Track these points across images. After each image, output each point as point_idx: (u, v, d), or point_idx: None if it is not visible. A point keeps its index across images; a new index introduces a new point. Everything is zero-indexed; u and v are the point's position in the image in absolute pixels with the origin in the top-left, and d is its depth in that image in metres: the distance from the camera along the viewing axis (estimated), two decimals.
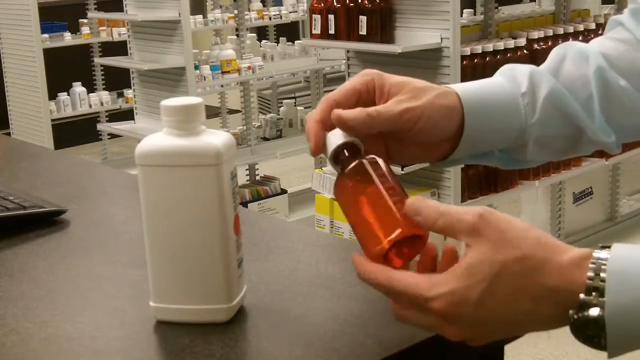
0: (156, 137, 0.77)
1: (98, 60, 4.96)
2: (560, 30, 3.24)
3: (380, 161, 0.74)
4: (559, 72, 0.87)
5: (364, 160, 0.74)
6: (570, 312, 0.63)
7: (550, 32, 3.20)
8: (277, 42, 5.28)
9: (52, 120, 4.76)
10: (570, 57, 0.88)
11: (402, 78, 0.80)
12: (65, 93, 5.02)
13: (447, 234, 0.67)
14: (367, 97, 0.80)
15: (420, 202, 0.68)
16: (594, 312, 0.61)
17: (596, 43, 0.90)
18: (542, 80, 0.85)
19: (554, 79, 0.86)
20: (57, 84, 4.93)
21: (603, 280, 0.62)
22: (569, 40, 2.84)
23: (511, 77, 0.85)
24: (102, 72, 5.38)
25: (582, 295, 0.62)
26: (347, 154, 0.76)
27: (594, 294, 0.62)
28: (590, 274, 0.62)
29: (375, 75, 0.80)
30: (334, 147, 0.76)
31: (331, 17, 3.02)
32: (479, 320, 0.65)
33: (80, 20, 5.36)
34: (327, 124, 0.77)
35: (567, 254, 0.64)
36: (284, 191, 4.36)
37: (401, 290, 0.67)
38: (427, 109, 0.78)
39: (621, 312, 0.61)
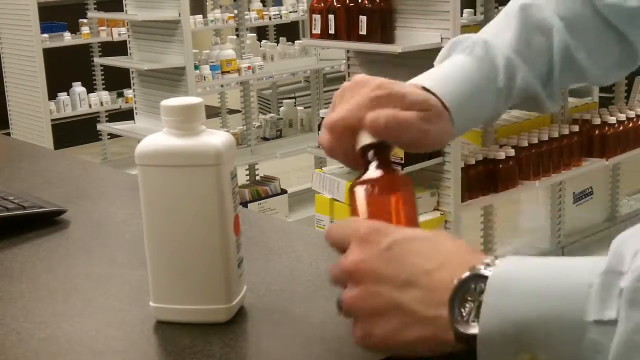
0: (156, 137, 0.77)
1: (98, 60, 4.95)
2: None
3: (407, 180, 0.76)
4: (524, 46, 0.89)
5: (393, 174, 0.76)
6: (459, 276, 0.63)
7: None
8: (277, 42, 5.28)
9: (52, 120, 4.75)
10: (532, 28, 0.90)
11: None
12: (65, 93, 5.01)
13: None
14: None
15: None
16: (483, 270, 0.62)
17: (553, 3, 0.92)
18: (517, 72, 0.88)
19: (525, 67, 0.89)
20: (57, 84, 4.92)
21: (496, 258, 0.63)
22: None
23: (487, 64, 0.87)
24: (102, 72, 5.38)
25: (477, 264, 0.63)
26: (377, 155, 0.77)
27: (491, 263, 0.63)
28: (489, 258, 0.64)
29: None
30: (366, 143, 0.77)
31: (331, 17, 3.01)
32: (389, 252, 0.66)
33: (80, 20, 5.36)
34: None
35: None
36: (284, 191, 4.36)
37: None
38: (436, 135, 0.82)
39: (506, 275, 0.61)
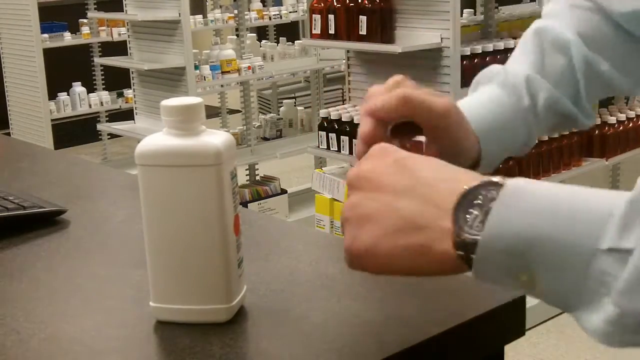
0: (156, 137, 0.77)
1: (98, 60, 4.96)
2: None
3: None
4: (543, 68, 0.88)
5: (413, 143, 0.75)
6: (465, 186, 0.60)
7: None
8: (277, 42, 5.28)
9: (52, 120, 4.76)
10: (548, 48, 0.89)
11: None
12: (65, 93, 5.02)
13: None
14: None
15: None
16: (496, 179, 0.59)
17: (567, 19, 0.90)
18: (539, 89, 0.87)
19: (547, 84, 0.87)
20: (57, 84, 4.93)
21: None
22: None
23: (509, 88, 0.86)
24: (102, 72, 5.38)
25: (489, 178, 0.60)
26: (404, 132, 0.77)
27: (501, 177, 0.59)
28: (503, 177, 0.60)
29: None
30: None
31: (331, 17, 3.02)
32: (398, 162, 0.64)
33: (80, 20, 5.36)
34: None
35: None
36: (284, 191, 4.36)
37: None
38: (454, 123, 0.78)
39: (522, 187, 0.57)
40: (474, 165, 0.83)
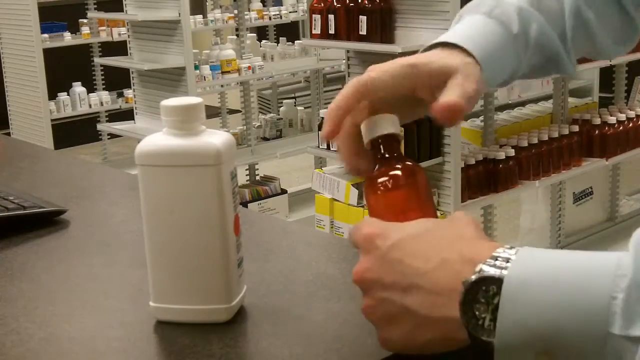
0: (156, 137, 0.77)
1: (98, 60, 4.95)
2: None
3: (421, 172, 0.74)
4: (539, 5, 0.89)
5: (407, 166, 0.74)
6: (466, 278, 0.61)
7: None
8: (277, 42, 5.28)
9: (52, 120, 4.76)
10: None
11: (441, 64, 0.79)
12: (65, 93, 5.02)
13: None
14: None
15: None
16: (493, 271, 0.60)
17: None
18: (531, 20, 0.87)
19: (540, 17, 0.88)
20: (57, 84, 4.93)
21: (511, 250, 0.62)
22: None
23: (500, 14, 0.86)
24: (102, 72, 5.38)
25: (483, 264, 0.61)
26: (386, 148, 0.75)
27: (498, 260, 0.61)
28: (501, 249, 0.62)
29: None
30: (375, 135, 0.75)
31: (331, 17, 3.02)
32: (388, 257, 0.66)
33: (80, 20, 5.36)
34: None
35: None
36: (284, 191, 4.36)
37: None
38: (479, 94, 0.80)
39: (522, 279, 0.59)
40: None
